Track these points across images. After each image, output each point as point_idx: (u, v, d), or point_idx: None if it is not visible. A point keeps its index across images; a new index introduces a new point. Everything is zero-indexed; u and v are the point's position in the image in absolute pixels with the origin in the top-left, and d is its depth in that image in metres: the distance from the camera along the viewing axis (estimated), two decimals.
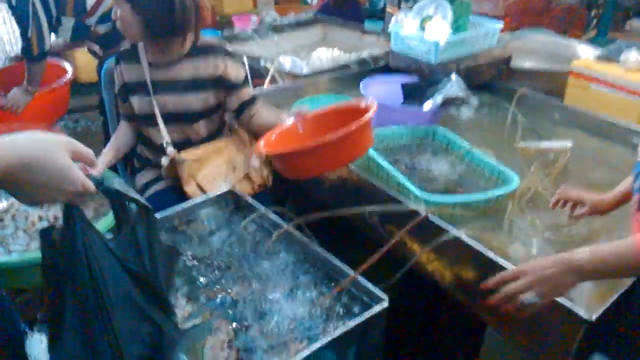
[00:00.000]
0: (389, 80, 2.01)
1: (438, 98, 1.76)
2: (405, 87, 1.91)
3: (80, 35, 2.42)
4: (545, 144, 1.65)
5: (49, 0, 2.24)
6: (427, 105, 1.75)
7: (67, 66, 2.73)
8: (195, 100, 1.67)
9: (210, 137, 1.76)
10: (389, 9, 2.63)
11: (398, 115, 1.78)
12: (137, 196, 0.86)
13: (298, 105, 1.49)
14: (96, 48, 2.48)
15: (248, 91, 1.72)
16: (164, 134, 1.67)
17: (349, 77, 2.26)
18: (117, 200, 0.86)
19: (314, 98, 1.91)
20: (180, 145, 1.68)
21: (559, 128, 1.86)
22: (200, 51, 1.67)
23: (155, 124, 1.67)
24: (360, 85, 1.92)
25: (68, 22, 2.35)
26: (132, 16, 1.56)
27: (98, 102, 2.35)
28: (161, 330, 0.87)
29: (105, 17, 2.37)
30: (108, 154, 1.72)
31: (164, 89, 1.66)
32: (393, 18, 2.23)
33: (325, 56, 2.62)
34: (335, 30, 3.00)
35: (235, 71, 1.68)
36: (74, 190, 0.74)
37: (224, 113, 1.80)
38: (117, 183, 0.84)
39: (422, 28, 2.11)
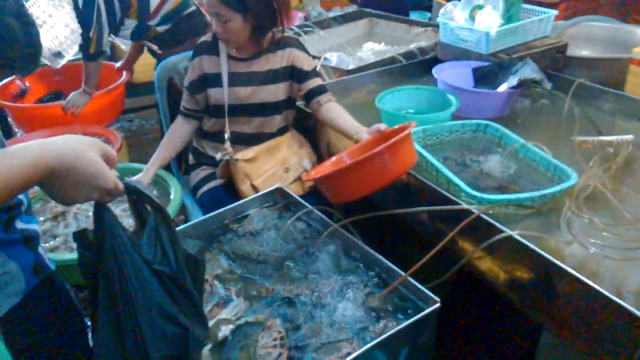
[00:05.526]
0: (459, 65, 2.00)
1: (513, 80, 1.75)
2: (476, 71, 1.90)
3: (140, 34, 2.50)
4: (604, 138, 1.57)
5: (115, 5, 2.32)
6: (503, 88, 1.75)
7: None
8: (269, 92, 1.73)
9: (282, 131, 1.80)
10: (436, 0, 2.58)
11: (473, 99, 1.78)
12: (155, 198, 0.88)
13: (375, 126, 1.49)
14: (155, 47, 2.56)
15: (317, 80, 1.76)
16: (226, 128, 1.73)
17: (405, 68, 2.25)
18: (139, 200, 0.89)
19: (394, 90, 1.90)
20: (252, 139, 1.75)
21: (619, 120, 1.77)
22: (276, 45, 1.73)
23: (224, 117, 1.73)
24: (433, 70, 1.94)
25: (130, 23, 2.44)
26: (243, 25, 1.61)
27: (156, 100, 2.42)
28: (187, 331, 0.89)
29: (166, 19, 2.44)
30: (155, 163, 1.74)
31: (241, 82, 1.72)
32: (442, 9, 2.18)
33: (372, 50, 2.59)
34: (382, 24, 2.97)
35: (307, 60, 1.76)
36: (106, 188, 0.78)
37: (295, 108, 1.85)
38: (138, 182, 0.86)
39: (472, 18, 2.05)
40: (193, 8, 2.52)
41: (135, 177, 1.65)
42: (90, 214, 1.68)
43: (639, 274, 1.14)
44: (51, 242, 1.58)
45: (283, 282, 1.22)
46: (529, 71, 1.74)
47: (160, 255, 0.86)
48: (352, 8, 3.27)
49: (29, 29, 1.65)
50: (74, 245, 1.55)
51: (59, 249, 1.56)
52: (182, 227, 1.39)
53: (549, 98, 1.90)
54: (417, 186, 1.45)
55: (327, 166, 1.51)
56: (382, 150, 1.21)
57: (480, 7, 2.02)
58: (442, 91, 1.86)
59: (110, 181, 0.78)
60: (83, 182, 0.75)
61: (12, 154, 0.70)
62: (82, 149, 0.75)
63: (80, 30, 2.34)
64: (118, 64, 2.87)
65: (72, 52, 2.60)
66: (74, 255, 1.48)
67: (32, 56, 1.68)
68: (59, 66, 2.48)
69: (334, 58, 2.36)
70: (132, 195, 0.87)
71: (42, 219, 1.66)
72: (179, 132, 1.81)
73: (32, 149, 0.71)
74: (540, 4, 2.25)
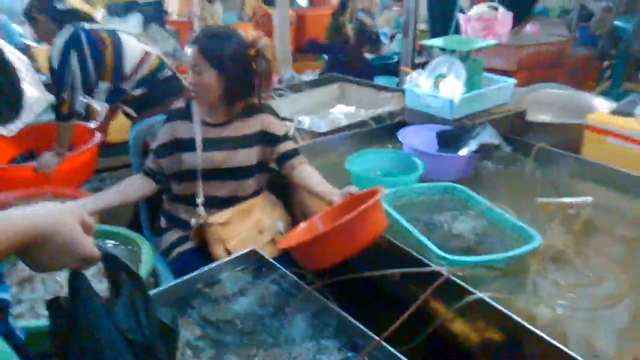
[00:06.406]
0: (424, 128, 2.10)
1: (473, 145, 1.85)
2: (440, 135, 1.98)
3: (115, 97, 2.53)
4: (565, 199, 1.65)
5: (89, 67, 2.37)
6: (463, 152, 1.85)
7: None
8: (243, 156, 1.76)
9: (256, 194, 1.83)
10: (403, 68, 2.73)
11: (435, 161, 1.87)
12: (130, 265, 0.89)
13: (346, 188, 1.54)
14: (130, 111, 2.59)
15: (290, 144, 1.80)
16: (199, 192, 1.74)
17: (374, 131, 2.35)
18: (114, 267, 0.89)
19: (363, 153, 1.97)
20: (225, 202, 1.76)
21: (577, 182, 1.86)
22: (249, 110, 1.78)
23: (197, 181, 1.75)
24: (398, 134, 2.04)
25: (104, 86, 2.47)
26: (216, 81, 1.66)
27: (129, 162, 2.43)
28: None
29: (141, 83, 2.48)
30: (93, 201, 1.71)
31: (214, 146, 1.75)
32: (408, 77, 2.30)
33: (343, 113, 2.69)
34: (352, 88, 3.10)
35: (278, 126, 1.81)
36: (83, 256, 0.78)
37: (268, 171, 1.88)
38: (112, 249, 0.87)
39: (436, 86, 2.17)
40: (169, 73, 2.58)
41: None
42: (58, 278, 1.64)
43: (606, 333, 1.18)
44: (17, 309, 1.52)
45: (256, 348, 1.21)
46: (488, 136, 1.85)
47: (134, 324, 0.86)
48: (321, 71, 3.42)
49: (11, 77, 1.66)
50: (41, 311, 1.52)
51: (24, 316, 1.51)
52: (153, 291, 1.37)
53: (511, 161, 1.99)
54: (389, 248, 1.48)
55: (299, 231, 1.53)
56: (351, 220, 1.24)
57: (443, 75, 2.14)
58: (408, 154, 1.94)
59: (88, 249, 0.79)
60: (61, 250, 0.76)
61: None
62: (61, 218, 0.76)
63: (43, 96, 2.36)
64: (92, 125, 2.89)
65: (27, 119, 2.59)
66: (39, 323, 1.43)
67: (14, 105, 1.69)
68: (12, 134, 2.45)
69: (306, 121, 2.44)
70: (107, 262, 0.88)
71: (7, 283, 1.61)
72: (132, 185, 1.81)
73: (13, 219, 0.72)
74: (500, 73, 2.40)
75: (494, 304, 1.18)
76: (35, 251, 0.75)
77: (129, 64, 2.45)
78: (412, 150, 1.93)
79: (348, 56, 4.18)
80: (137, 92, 2.49)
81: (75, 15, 2.43)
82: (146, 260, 1.67)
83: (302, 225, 1.56)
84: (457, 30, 3.00)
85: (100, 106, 2.97)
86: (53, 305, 0.85)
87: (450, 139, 1.98)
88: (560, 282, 1.30)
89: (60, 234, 0.75)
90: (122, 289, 0.88)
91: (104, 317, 0.83)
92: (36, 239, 0.73)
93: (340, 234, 1.26)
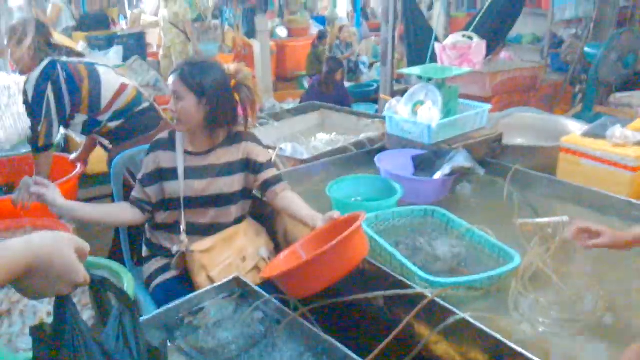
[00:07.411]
0: (400, 153, 2.14)
1: (446, 168, 1.89)
2: (415, 159, 2.02)
3: (91, 129, 2.52)
4: (543, 220, 1.69)
5: (64, 101, 2.36)
6: (437, 175, 1.89)
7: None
8: (225, 184, 1.78)
9: (238, 221, 1.84)
10: (382, 95, 2.79)
11: (411, 185, 1.90)
12: (120, 287, 0.90)
13: (329, 213, 1.55)
14: (106, 142, 2.57)
15: (272, 171, 1.82)
16: (182, 220, 1.75)
17: (355, 157, 2.38)
18: (103, 291, 0.90)
19: (339, 180, 1.99)
20: (208, 229, 1.76)
21: (553, 202, 1.91)
22: (232, 138, 1.80)
23: (180, 208, 1.75)
24: (375, 159, 2.07)
25: (80, 118, 2.46)
26: (196, 108, 1.68)
27: (110, 192, 2.41)
28: None
29: (118, 115, 2.48)
30: (81, 207, 1.74)
31: (197, 175, 1.76)
32: (387, 104, 2.35)
33: (325, 140, 2.73)
34: (333, 115, 3.14)
35: (262, 153, 1.83)
36: (77, 282, 0.81)
37: (251, 198, 1.90)
38: (102, 273, 0.88)
39: (414, 112, 2.22)
40: (146, 104, 2.58)
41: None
42: (37, 310, 1.61)
43: (587, 349, 1.20)
44: None
45: None
46: (461, 159, 1.89)
47: (122, 346, 0.86)
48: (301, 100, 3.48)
49: None
50: (19, 344, 1.48)
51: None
52: None
53: (489, 183, 2.03)
54: (373, 271, 1.49)
55: (281, 259, 1.54)
56: (331, 249, 1.25)
57: (421, 102, 2.20)
58: (386, 179, 1.97)
59: (81, 275, 0.81)
60: (57, 278, 0.78)
61: None
62: (59, 246, 0.78)
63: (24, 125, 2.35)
64: (72, 156, 2.87)
65: None
66: (19, 357, 1.40)
67: None
68: None
69: (288, 148, 2.47)
70: (97, 285, 0.88)
71: None
72: (122, 209, 1.83)
73: (14, 248, 0.74)
74: (476, 99, 2.47)
75: (477, 324, 1.19)
76: (31, 279, 0.76)
77: (105, 97, 2.45)
78: (389, 175, 1.97)
79: (322, 84, 4.29)
80: (114, 124, 2.49)
81: (61, 52, 2.44)
82: (128, 289, 1.65)
83: (284, 253, 1.56)
84: (434, 59, 3.08)
85: (79, 137, 2.97)
86: (37, 332, 0.84)
87: (425, 163, 2.02)
88: (541, 300, 1.32)
89: (58, 264, 0.77)
90: (111, 313, 0.88)
91: (89, 342, 0.83)
92: (33, 268, 0.75)
93: (321, 263, 1.27)
